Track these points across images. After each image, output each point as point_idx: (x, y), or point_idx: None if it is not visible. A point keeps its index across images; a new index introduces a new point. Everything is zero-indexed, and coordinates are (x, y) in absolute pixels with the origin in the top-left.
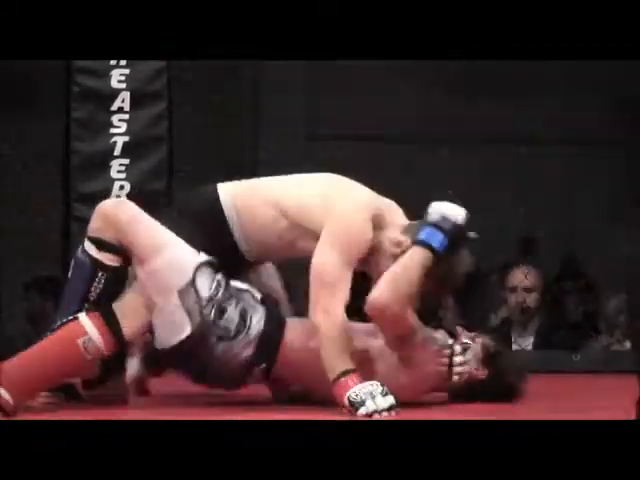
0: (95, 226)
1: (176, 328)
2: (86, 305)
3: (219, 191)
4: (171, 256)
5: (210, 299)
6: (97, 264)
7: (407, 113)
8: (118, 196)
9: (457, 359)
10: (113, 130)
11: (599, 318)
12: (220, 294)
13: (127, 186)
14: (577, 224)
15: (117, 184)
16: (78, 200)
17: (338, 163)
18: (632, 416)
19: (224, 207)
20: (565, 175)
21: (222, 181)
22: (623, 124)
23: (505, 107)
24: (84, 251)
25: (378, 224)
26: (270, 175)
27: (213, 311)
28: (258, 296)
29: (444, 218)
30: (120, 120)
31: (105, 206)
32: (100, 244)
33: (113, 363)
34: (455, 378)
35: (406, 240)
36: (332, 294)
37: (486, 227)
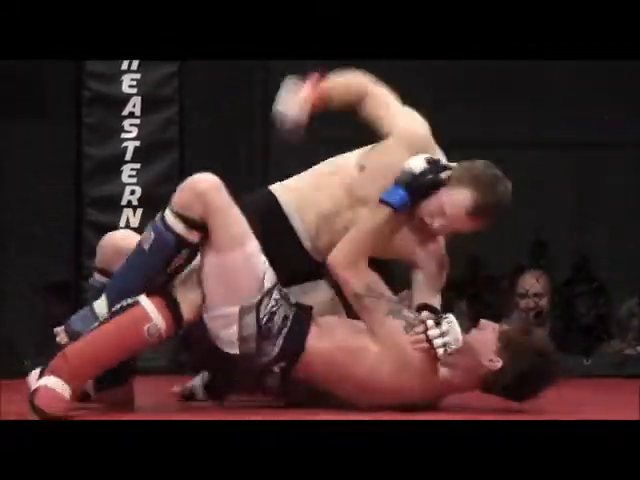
0: (183, 201)
1: (225, 342)
2: (159, 279)
3: (273, 191)
4: (248, 257)
5: (265, 315)
6: (182, 241)
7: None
8: (129, 201)
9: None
10: (124, 135)
11: (611, 322)
12: (275, 308)
13: (138, 190)
14: (588, 226)
15: (128, 188)
16: (90, 204)
17: None
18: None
19: (282, 204)
20: (575, 177)
21: (233, 185)
22: (634, 124)
23: (511, 109)
24: (167, 227)
25: None
26: (281, 177)
27: (264, 320)
28: (293, 301)
29: (403, 172)
30: (131, 125)
31: (200, 183)
32: (186, 221)
33: (134, 362)
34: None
35: None
36: None
37: (497, 231)
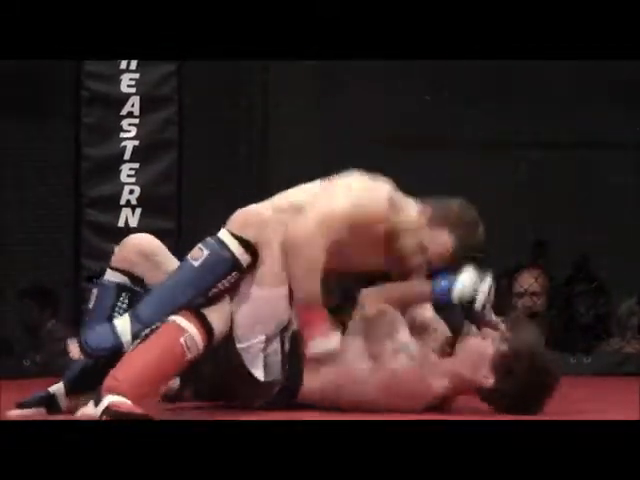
0: (244, 223)
1: (254, 366)
2: (201, 299)
3: None
4: (282, 298)
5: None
6: (236, 262)
7: (418, 115)
8: (128, 200)
9: None
10: (123, 134)
11: (611, 321)
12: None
13: (137, 190)
14: (588, 226)
15: (127, 188)
16: (89, 205)
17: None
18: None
19: None
20: (575, 176)
21: (233, 186)
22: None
23: (513, 109)
24: (224, 245)
25: (393, 206)
26: (280, 177)
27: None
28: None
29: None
30: (130, 124)
31: (264, 212)
32: (243, 242)
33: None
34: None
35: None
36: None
37: (495, 230)
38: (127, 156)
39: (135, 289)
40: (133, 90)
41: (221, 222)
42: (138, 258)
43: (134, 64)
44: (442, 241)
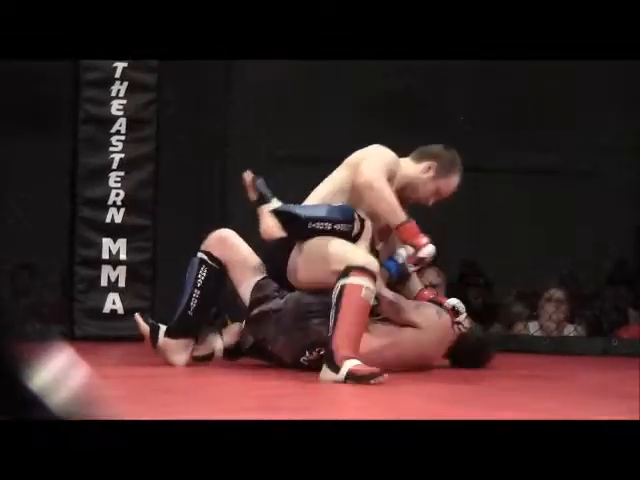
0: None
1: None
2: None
3: None
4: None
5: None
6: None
7: None
8: (114, 201)
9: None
10: (112, 149)
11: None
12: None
13: (122, 193)
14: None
15: (114, 191)
16: (83, 204)
17: None
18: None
19: None
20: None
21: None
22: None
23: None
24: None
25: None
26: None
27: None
28: None
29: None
30: (117, 141)
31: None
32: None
33: None
34: (462, 329)
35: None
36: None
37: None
38: (114, 166)
39: (212, 264)
40: (121, 113)
41: (188, 221)
42: (217, 243)
43: (122, 92)
44: (454, 184)
